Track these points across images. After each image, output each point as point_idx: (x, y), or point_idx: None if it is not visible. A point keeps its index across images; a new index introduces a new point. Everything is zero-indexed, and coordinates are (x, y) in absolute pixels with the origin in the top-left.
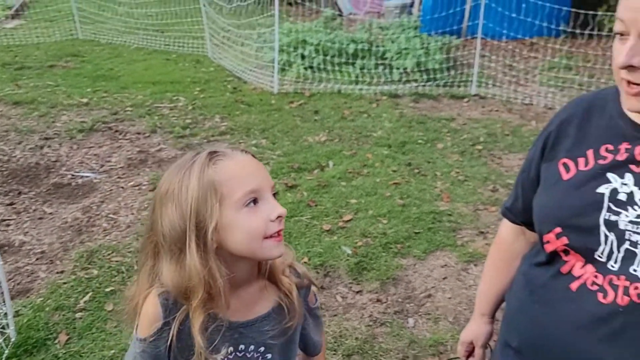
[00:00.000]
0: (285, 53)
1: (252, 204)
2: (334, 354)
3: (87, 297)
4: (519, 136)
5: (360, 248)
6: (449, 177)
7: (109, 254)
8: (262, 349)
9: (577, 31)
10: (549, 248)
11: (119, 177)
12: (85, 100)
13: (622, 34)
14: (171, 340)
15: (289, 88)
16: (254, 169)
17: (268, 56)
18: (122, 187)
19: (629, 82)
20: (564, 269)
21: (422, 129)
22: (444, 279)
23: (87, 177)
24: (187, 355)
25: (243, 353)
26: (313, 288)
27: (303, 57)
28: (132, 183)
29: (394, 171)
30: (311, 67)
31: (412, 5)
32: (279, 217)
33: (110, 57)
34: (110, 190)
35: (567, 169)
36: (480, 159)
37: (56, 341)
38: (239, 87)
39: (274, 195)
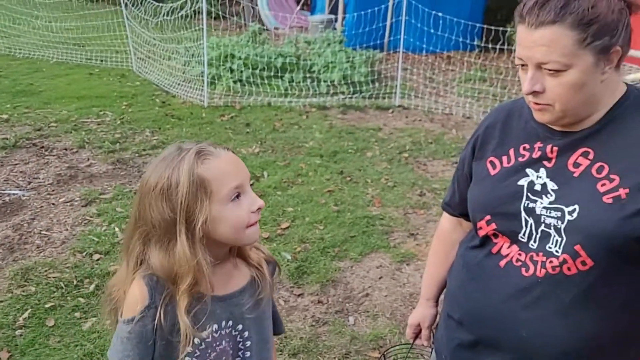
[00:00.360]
0: (214, 67)
1: (236, 199)
2: (280, 354)
3: (26, 314)
4: (441, 144)
5: (299, 253)
6: (379, 184)
7: (45, 271)
8: (240, 326)
9: (490, 46)
10: (481, 233)
11: (48, 194)
12: (5, 116)
13: (523, 65)
14: (159, 319)
15: (219, 101)
16: (237, 165)
17: (196, 70)
18: (53, 204)
19: (535, 102)
20: (494, 249)
21: (351, 138)
22: (379, 278)
23: (14, 194)
24: (173, 334)
25: (223, 330)
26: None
27: (231, 70)
28: (63, 199)
29: (327, 179)
30: (240, 81)
31: (335, 20)
32: (259, 208)
33: (29, 72)
34: (41, 207)
35: (494, 166)
36: (407, 166)
37: None
38: (167, 101)
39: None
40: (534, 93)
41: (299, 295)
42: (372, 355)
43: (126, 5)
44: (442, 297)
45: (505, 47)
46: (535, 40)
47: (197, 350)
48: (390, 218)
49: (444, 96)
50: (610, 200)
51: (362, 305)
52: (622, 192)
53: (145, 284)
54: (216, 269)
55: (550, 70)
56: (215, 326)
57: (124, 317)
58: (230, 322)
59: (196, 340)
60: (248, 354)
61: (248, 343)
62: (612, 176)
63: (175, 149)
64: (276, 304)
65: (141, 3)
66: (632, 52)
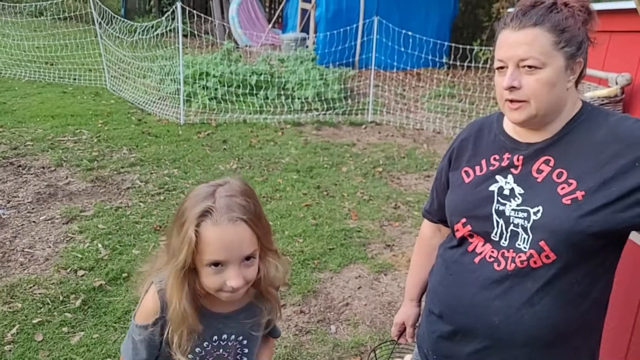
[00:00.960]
0: (189, 85)
1: (214, 266)
2: None
3: (14, 330)
4: (413, 158)
5: None
6: (355, 197)
7: (30, 287)
8: (241, 337)
9: (457, 63)
10: (458, 234)
11: (29, 212)
12: None
13: (501, 68)
14: (165, 332)
15: (195, 119)
16: (228, 243)
17: (171, 88)
18: (34, 222)
19: (511, 100)
20: (470, 248)
21: (326, 154)
22: (358, 288)
23: None
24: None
25: (225, 342)
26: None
27: (206, 88)
28: (44, 217)
29: (305, 194)
30: (215, 98)
31: (307, 38)
32: (233, 289)
33: (0, 91)
34: (22, 225)
35: (468, 174)
36: (382, 179)
37: None
38: (143, 119)
39: (248, 258)
40: (512, 88)
41: (281, 306)
42: None
43: (100, 24)
44: (424, 297)
45: (472, 64)
46: (519, 40)
47: (197, 357)
48: (367, 230)
49: (414, 112)
50: (568, 202)
51: (342, 314)
52: (579, 194)
53: (159, 298)
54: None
55: (529, 67)
56: (215, 337)
57: (137, 321)
58: (233, 336)
59: (197, 349)
60: (246, 359)
61: (246, 350)
62: (570, 180)
63: (210, 190)
64: (278, 313)
65: (115, 22)
66: (590, 71)
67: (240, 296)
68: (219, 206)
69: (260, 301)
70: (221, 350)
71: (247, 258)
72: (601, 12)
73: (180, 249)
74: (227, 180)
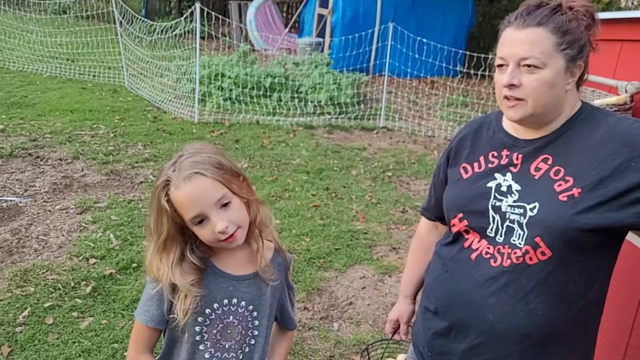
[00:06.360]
0: (204, 85)
1: (199, 224)
2: None
3: (25, 313)
4: (423, 164)
5: None
6: (364, 200)
7: (43, 273)
8: (251, 307)
9: (472, 72)
10: (454, 229)
11: (44, 201)
12: (0, 127)
13: (501, 66)
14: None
15: (209, 118)
16: (193, 197)
17: (187, 87)
18: (50, 211)
19: (508, 98)
20: (466, 244)
21: (337, 157)
22: (363, 288)
23: (11, 201)
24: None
25: (235, 308)
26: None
27: (221, 89)
28: (59, 207)
29: (313, 195)
30: (230, 99)
31: (323, 43)
32: (220, 231)
33: (22, 85)
34: (38, 213)
35: (466, 171)
36: (391, 184)
37: None
38: (159, 117)
39: (226, 204)
40: (511, 86)
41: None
42: (355, 358)
43: (121, 23)
44: (419, 296)
45: (487, 73)
46: (521, 38)
47: (207, 320)
48: (374, 232)
49: (427, 119)
50: (565, 199)
51: (346, 312)
52: (575, 191)
53: None
54: (236, 251)
55: (529, 66)
56: (226, 301)
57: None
58: (243, 303)
59: (207, 311)
60: (256, 332)
61: (256, 323)
62: (567, 178)
63: (172, 161)
64: (292, 301)
65: (135, 21)
66: (600, 79)
67: (241, 241)
68: (175, 172)
69: (269, 271)
70: (231, 317)
71: (223, 205)
72: (613, 21)
73: (160, 221)
74: (190, 147)
